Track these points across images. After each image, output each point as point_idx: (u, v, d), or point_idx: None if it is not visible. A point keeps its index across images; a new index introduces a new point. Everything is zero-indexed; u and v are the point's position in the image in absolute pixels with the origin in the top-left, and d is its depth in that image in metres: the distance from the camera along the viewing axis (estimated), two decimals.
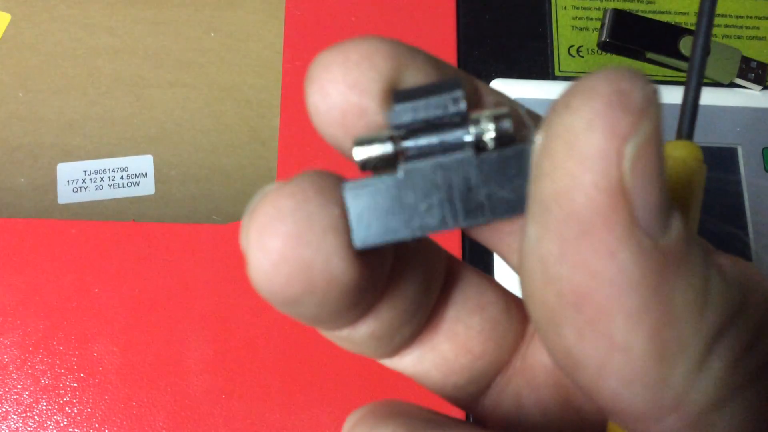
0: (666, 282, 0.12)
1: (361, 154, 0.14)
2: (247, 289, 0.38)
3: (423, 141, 0.14)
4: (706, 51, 0.17)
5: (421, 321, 0.17)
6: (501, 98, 0.17)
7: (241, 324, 0.38)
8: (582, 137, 0.12)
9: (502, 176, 0.13)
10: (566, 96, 0.12)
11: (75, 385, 0.36)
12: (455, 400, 0.19)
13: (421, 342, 0.18)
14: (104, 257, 0.38)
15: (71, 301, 0.38)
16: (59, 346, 0.37)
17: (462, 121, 0.14)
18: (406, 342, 0.18)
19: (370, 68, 0.14)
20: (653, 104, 0.12)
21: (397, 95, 0.14)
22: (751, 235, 0.42)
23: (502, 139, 0.13)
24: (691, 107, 0.16)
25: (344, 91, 0.14)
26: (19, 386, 0.36)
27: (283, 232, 0.13)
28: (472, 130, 0.13)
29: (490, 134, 0.13)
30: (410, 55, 0.15)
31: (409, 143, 0.14)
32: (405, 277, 0.16)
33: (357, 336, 0.16)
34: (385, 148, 0.14)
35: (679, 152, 0.16)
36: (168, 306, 0.38)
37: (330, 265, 0.13)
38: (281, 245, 0.13)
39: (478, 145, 0.14)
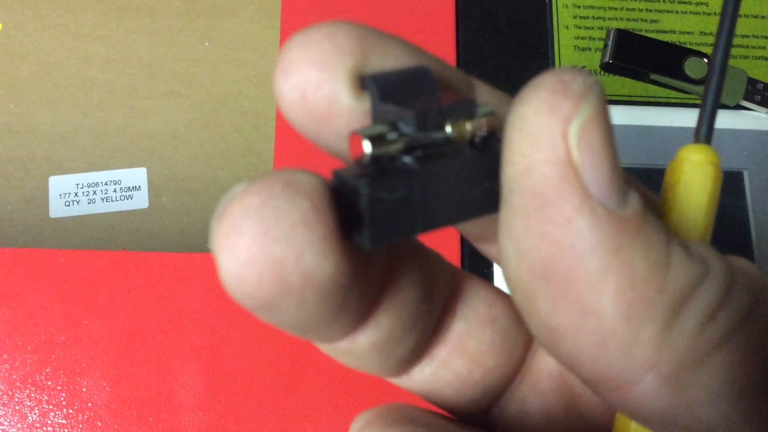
0: (624, 246, 0.13)
1: (372, 148, 0.13)
2: (241, 322, 0.38)
3: (425, 139, 0.14)
4: (728, 52, 0.17)
5: (424, 332, 0.17)
6: (496, 96, 0.17)
7: (235, 358, 0.37)
8: (531, 122, 0.13)
9: (494, 173, 0.14)
10: (520, 92, 0.13)
11: (63, 421, 0.36)
12: (467, 415, 0.19)
13: (432, 359, 0.18)
14: (94, 288, 0.38)
15: (59, 334, 0.37)
16: (47, 381, 0.36)
17: (452, 118, 0.14)
18: (411, 356, 0.17)
19: (332, 47, 0.14)
20: (594, 91, 0.13)
21: (376, 83, 0.14)
22: (756, 263, 0.41)
23: (489, 136, 0.14)
24: (710, 111, 0.17)
25: (304, 70, 0.14)
26: (5, 423, 0.36)
27: (249, 229, 0.12)
28: (468, 127, 0.14)
29: (481, 132, 0.14)
30: (379, 38, 0.15)
31: (415, 140, 0.14)
32: (402, 284, 0.16)
33: (357, 347, 0.16)
34: (397, 146, 0.14)
35: (695, 156, 0.16)
36: (159, 339, 0.37)
37: (302, 260, 0.13)
38: (248, 243, 0.12)
39: (473, 143, 0.14)
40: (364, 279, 0.14)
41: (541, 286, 0.13)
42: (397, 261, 0.16)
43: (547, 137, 0.13)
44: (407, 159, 0.14)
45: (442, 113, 0.14)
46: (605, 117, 0.13)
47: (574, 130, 0.13)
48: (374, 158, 0.13)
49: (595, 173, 0.13)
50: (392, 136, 0.13)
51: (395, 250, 0.16)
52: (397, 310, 0.16)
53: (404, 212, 0.14)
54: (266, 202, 0.12)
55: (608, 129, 0.13)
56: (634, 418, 0.14)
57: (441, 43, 0.45)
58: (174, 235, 0.47)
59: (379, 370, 0.17)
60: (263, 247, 0.12)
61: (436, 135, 0.14)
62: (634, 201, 0.13)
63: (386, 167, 0.14)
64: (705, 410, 0.13)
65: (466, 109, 0.14)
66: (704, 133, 0.17)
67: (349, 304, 0.14)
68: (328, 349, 0.16)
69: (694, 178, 0.16)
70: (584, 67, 0.45)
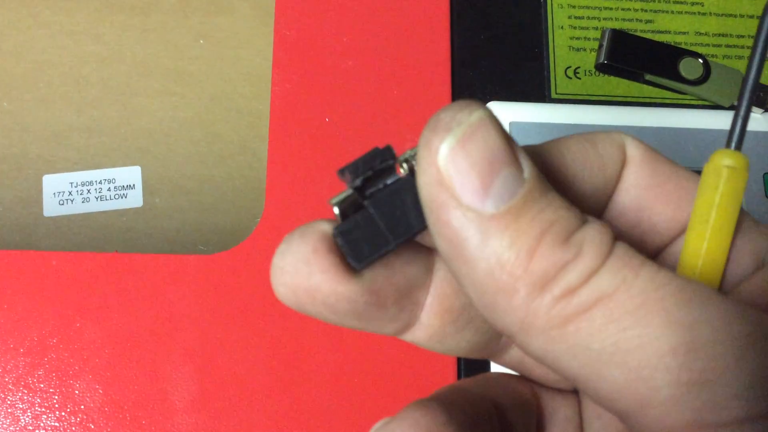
0: (489, 239, 0.17)
1: (337, 208, 0.19)
2: (233, 324, 0.37)
3: (373, 186, 0.19)
4: (760, 73, 0.20)
5: (486, 329, 0.21)
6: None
7: (228, 360, 0.37)
8: (418, 154, 0.17)
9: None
10: None
11: (56, 424, 0.36)
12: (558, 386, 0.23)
13: (518, 348, 0.22)
14: (86, 290, 0.38)
15: (52, 336, 0.37)
16: (39, 383, 0.36)
17: (393, 166, 0.19)
18: (484, 344, 0.22)
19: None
20: (461, 123, 0.17)
21: (349, 170, 0.19)
22: None
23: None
24: (741, 121, 0.20)
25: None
26: None
27: (278, 265, 0.19)
28: (405, 165, 0.19)
29: (412, 161, 0.19)
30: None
31: (366, 189, 0.19)
32: (443, 291, 0.20)
33: (419, 340, 0.21)
34: (348, 193, 0.19)
35: (716, 159, 0.19)
36: (152, 341, 0.37)
37: (306, 284, 0.18)
38: (278, 273, 0.19)
39: (411, 170, 0.19)
40: (384, 292, 0.19)
41: (450, 266, 0.18)
42: (439, 274, 0.20)
43: (424, 165, 0.17)
44: (366, 202, 0.19)
45: (364, 162, 0.19)
46: (471, 142, 0.17)
47: (441, 156, 0.17)
48: (341, 212, 0.19)
49: (464, 187, 0.17)
50: (346, 194, 0.19)
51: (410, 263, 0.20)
52: (442, 312, 0.20)
53: (372, 234, 0.19)
54: (288, 247, 0.19)
55: (476, 151, 0.17)
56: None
57: (435, 44, 0.44)
58: (168, 234, 0.47)
59: (457, 353, 0.21)
60: (282, 276, 0.19)
61: (378, 182, 0.19)
62: (509, 204, 0.17)
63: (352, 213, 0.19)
64: (566, 364, 0.17)
65: (387, 152, 0.19)
66: (735, 140, 0.20)
67: (375, 310, 0.19)
68: (402, 338, 0.21)
69: (709, 178, 0.19)
70: (578, 68, 0.45)
